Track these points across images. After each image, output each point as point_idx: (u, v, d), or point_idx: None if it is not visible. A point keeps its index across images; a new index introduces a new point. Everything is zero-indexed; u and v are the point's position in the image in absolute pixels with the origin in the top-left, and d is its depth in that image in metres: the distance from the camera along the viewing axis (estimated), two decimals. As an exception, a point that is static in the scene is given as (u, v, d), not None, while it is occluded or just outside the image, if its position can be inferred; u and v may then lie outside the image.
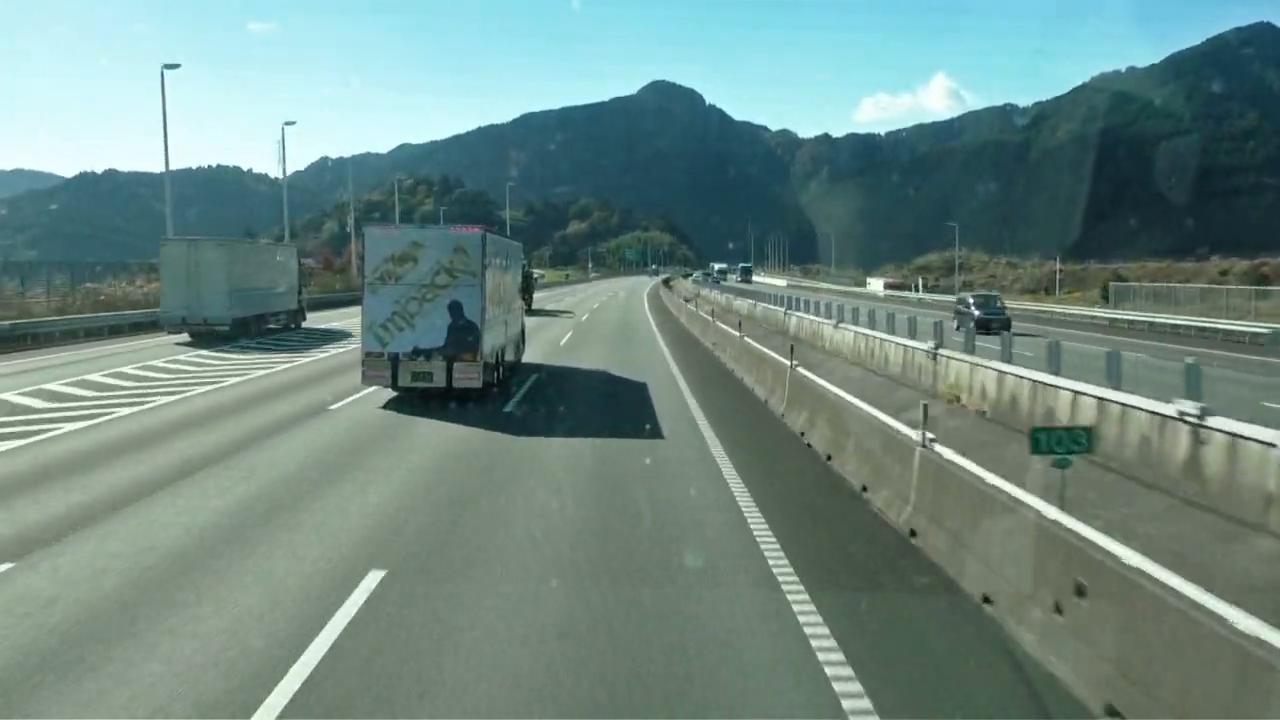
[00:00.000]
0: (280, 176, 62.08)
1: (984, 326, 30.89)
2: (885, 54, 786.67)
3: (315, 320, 37.09)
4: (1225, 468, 10.12)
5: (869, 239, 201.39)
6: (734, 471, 11.37)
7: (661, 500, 10.10)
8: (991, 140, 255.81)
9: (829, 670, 5.69)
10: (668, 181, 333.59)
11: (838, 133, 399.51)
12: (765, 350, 19.55)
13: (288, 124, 60.00)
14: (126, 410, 15.36)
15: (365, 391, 16.97)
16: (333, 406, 16.03)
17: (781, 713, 5.32)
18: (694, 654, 5.97)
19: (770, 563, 7.84)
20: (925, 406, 9.18)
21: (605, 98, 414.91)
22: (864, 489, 10.13)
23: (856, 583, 7.61)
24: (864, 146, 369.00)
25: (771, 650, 6.11)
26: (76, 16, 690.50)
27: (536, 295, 49.72)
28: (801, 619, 6.53)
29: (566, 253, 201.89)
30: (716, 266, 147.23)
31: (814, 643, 6.10)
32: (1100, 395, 12.85)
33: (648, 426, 14.66)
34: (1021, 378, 15.40)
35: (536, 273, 68.74)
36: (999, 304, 41.79)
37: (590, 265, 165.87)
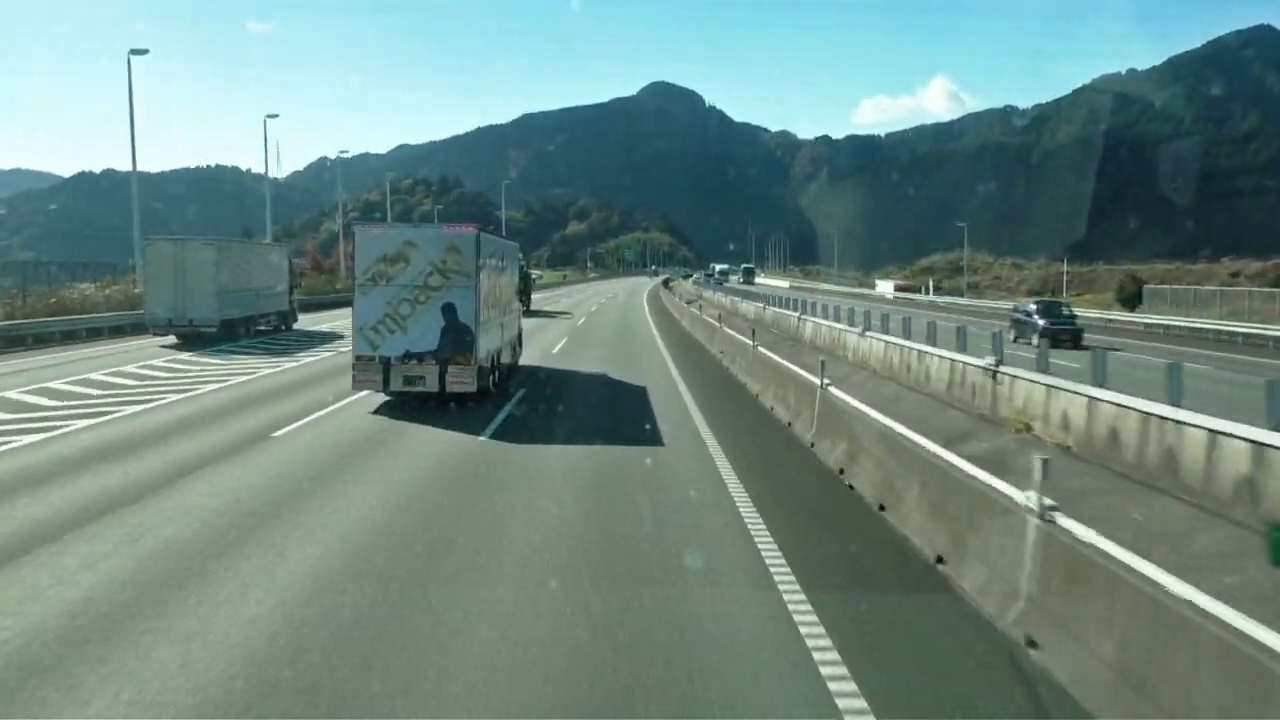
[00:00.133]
0: (268, 173, 60.70)
1: (1050, 338, 26.99)
2: (885, 55, 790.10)
3: (307, 322, 35.94)
4: None
5: (869, 239, 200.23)
6: (767, 533, 8.60)
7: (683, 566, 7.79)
8: (991, 142, 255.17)
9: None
10: (667, 182, 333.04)
11: (838, 134, 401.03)
12: (784, 363, 17.54)
13: (270, 116, 58.22)
14: (84, 422, 14.04)
15: (355, 396, 16.11)
16: (322, 411, 14.98)
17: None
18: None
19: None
20: (1044, 463, 6.22)
21: (605, 98, 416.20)
22: (939, 560, 7.59)
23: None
24: (864, 148, 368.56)
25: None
26: (76, 16, 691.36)
27: (535, 296, 49.11)
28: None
29: (566, 253, 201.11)
30: (717, 267, 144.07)
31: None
32: (1256, 439, 9.59)
33: (649, 461, 12.10)
34: (1128, 408, 12.18)
35: (534, 273, 67.71)
36: (1067, 311, 34.60)
37: (589, 266, 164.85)
